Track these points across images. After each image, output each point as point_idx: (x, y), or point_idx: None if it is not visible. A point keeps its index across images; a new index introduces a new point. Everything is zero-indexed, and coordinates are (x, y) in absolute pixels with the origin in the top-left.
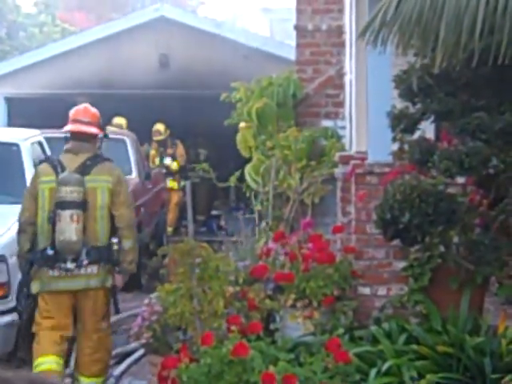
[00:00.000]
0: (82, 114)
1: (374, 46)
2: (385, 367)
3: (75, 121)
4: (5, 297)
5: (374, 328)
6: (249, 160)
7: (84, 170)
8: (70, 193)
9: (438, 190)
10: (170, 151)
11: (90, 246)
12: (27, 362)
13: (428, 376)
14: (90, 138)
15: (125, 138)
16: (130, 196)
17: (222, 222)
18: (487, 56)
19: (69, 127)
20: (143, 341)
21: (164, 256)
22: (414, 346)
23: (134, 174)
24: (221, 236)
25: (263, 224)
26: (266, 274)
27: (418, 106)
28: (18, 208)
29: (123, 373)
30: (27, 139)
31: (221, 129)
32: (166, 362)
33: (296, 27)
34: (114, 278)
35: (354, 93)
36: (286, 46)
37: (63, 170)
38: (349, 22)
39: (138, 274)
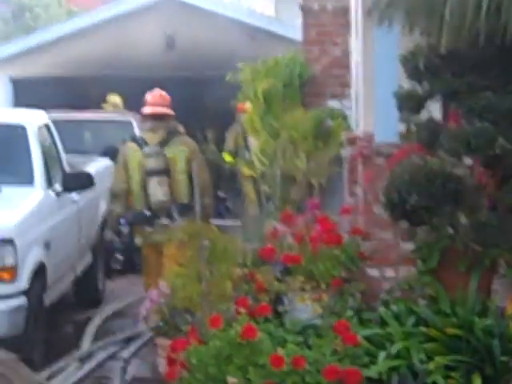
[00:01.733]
0: (158, 98)
1: (381, 25)
2: (393, 350)
3: (152, 104)
4: (13, 280)
5: (382, 310)
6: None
7: (164, 143)
8: (154, 162)
9: (445, 171)
10: None
11: (177, 204)
12: (37, 345)
13: (437, 358)
14: (165, 117)
15: (131, 120)
16: (204, 161)
17: (229, 204)
18: (494, 36)
19: (148, 110)
20: (152, 323)
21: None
22: (423, 329)
23: None
24: (228, 217)
25: (270, 205)
26: (274, 255)
27: (425, 86)
28: (24, 191)
29: (132, 355)
30: (34, 121)
31: (227, 109)
32: (174, 345)
33: (302, 7)
34: None
35: (361, 73)
36: (292, 26)
37: (146, 145)
38: (355, 1)
39: None
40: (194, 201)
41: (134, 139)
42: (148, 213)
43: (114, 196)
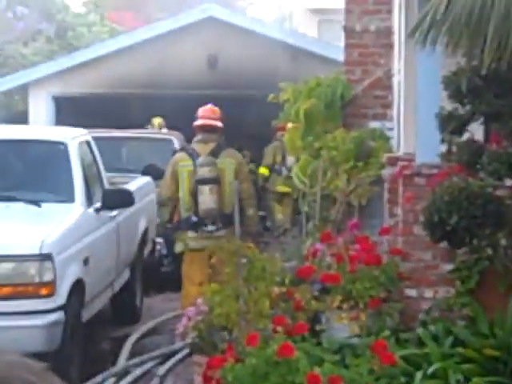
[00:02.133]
0: (209, 112)
1: (424, 46)
2: (431, 370)
3: (204, 117)
4: (51, 295)
5: (420, 330)
6: (296, 161)
7: (214, 154)
8: (208, 172)
9: (486, 192)
10: None
11: (223, 213)
12: (73, 361)
13: (474, 379)
14: (216, 130)
15: (172, 138)
16: (249, 174)
17: (269, 223)
18: None
19: (200, 122)
20: (188, 340)
21: (211, 256)
22: (461, 349)
23: None
24: (267, 237)
25: (310, 225)
26: (313, 274)
27: (467, 107)
28: (64, 207)
29: (168, 372)
30: (75, 138)
31: (267, 130)
32: (211, 362)
33: (344, 28)
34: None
35: (403, 94)
36: (334, 46)
37: (198, 155)
38: (398, 23)
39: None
40: (235, 211)
41: (184, 149)
42: (195, 219)
43: (161, 203)
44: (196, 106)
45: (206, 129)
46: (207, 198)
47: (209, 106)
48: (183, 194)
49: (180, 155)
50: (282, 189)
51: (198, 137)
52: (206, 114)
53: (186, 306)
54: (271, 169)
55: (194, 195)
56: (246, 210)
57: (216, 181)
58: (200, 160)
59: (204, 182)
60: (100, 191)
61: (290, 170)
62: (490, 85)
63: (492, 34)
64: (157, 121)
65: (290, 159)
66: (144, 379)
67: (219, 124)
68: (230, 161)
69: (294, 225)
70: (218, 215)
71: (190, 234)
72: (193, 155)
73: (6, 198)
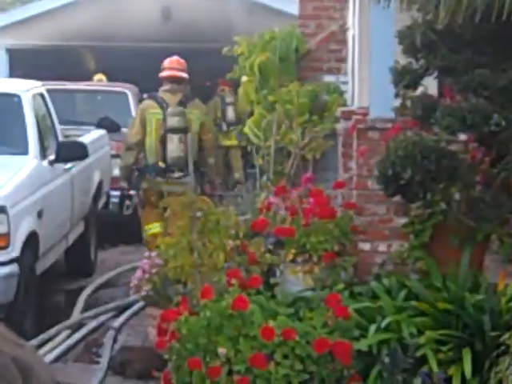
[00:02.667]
0: (176, 63)
1: (378, 0)
2: (384, 323)
3: (170, 68)
4: (5, 247)
5: (374, 284)
6: (250, 114)
7: (182, 104)
8: (177, 122)
9: (439, 147)
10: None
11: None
12: (27, 313)
13: (427, 332)
14: (182, 81)
15: (126, 90)
16: (212, 125)
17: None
18: (491, 13)
19: (166, 73)
20: (143, 293)
21: (165, 209)
22: (414, 303)
23: None
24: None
25: (264, 178)
26: (267, 228)
27: (421, 61)
28: (18, 159)
29: (122, 325)
30: (28, 90)
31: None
32: (165, 315)
33: None
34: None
35: (357, 48)
36: (290, 0)
37: (167, 105)
38: None
39: (140, 227)
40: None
41: (153, 97)
42: (163, 165)
43: (128, 147)
44: (150, 58)
45: (172, 79)
46: (176, 147)
47: (175, 57)
48: (151, 140)
49: (149, 103)
50: (227, 142)
51: (166, 87)
52: (173, 65)
53: (149, 237)
54: (214, 124)
55: (163, 143)
56: (206, 159)
57: (185, 131)
58: (170, 110)
59: (174, 131)
60: (54, 144)
61: (229, 124)
62: (445, 39)
63: None
64: (96, 78)
65: (230, 113)
66: (99, 332)
67: (185, 75)
68: (196, 112)
69: (246, 178)
70: (184, 163)
71: (158, 179)
72: (162, 104)
73: None
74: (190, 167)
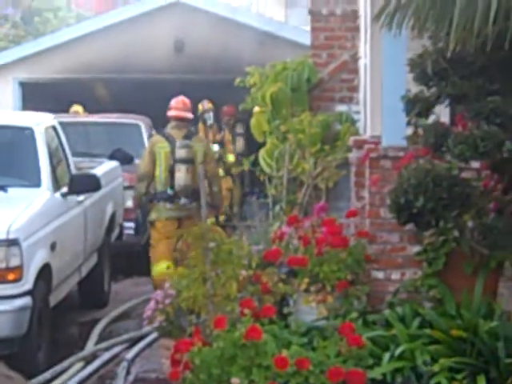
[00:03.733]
0: (181, 104)
1: (389, 29)
2: (398, 351)
3: (176, 108)
4: (18, 280)
5: (387, 312)
6: (263, 145)
7: (187, 139)
8: (185, 153)
9: (452, 175)
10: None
11: (194, 189)
12: (40, 346)
13: (441, 360)
14: (186, 119)
15: (139, 122)
16: (214, 156)
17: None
18: (502, 40)
19: (173, 113)
20: (156, 324)
21: (178, 239)
22: (428, 331)
23: None
24: (235, 220)
25: (277, 208)
26: (280, 257)
27: (433, 89)
28: (31, 192)
29: (136, 356)
30: (41, 123)
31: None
32: (178, 346)
33: (310, 12)
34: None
35: (369, 77)
36: (301, 30)
37: (173, 139)
38: (364, 6)
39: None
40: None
41: (161, 133)
42: (171, 192)
43: (140, 178)
44: (163, 90)
45: (177, 119)
46: (184, 175)
47: (180, 97)
48: (160, 171)
49: (157, 138)
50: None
51: (172, 123)
52: (179, 106)
53: (156, 276)
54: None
55: (171, 172)
56: (211, 187)
57: (192, 161)
58: (178, 143)
59: (182, 161)
60: (67, 176)
61: (239, 154)
62: (456, 67)
63: (457, 16)
64: (73, 109)
65: (240, 144)
66: (112, 363)
67: (189, 115)
68: (200, 145)
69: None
70: (191, 191)
71: (166, 205)
72: (169, 138)
73: None
74: (203, 195)
